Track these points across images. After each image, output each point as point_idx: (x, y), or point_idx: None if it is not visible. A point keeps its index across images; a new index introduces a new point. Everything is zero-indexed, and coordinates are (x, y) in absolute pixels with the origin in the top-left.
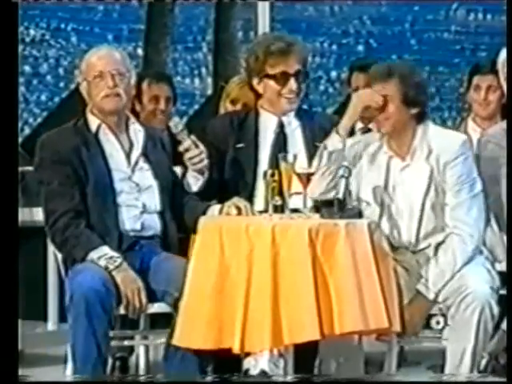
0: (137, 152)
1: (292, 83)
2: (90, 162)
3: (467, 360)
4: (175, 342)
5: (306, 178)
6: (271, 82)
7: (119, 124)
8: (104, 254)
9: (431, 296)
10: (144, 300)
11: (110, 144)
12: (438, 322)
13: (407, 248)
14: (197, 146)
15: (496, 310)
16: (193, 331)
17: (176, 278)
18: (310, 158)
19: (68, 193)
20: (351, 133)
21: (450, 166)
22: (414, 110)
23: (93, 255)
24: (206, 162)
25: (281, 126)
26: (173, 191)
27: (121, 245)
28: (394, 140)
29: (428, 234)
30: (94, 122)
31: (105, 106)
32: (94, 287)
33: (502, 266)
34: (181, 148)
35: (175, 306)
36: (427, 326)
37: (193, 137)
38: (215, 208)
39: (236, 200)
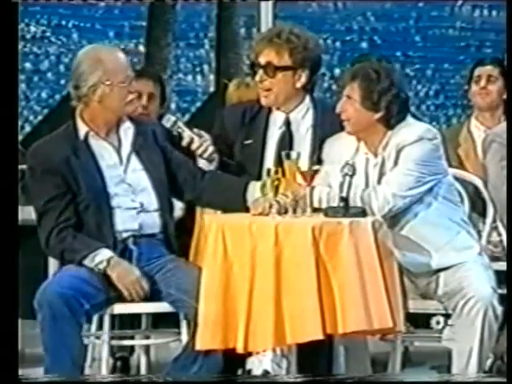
0: (126, 149)
1: (258, 75)
2: (80, 170)
3: (474, 360)
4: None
5: (310, 176)
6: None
7: (112, 126)
8: (93, 262)
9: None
10: (145, 286)
11: (100, 147)
12: (438, 322)
13: None
14: (200, 136)
15: (499, 310)
16: (202, 332)
17: (190, 287)
18: (318, 158)
19: (57, 206)
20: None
21: (404, 149)
22: (377, 115)
23: (86, 264)
24: (211, 149)
25: (287, 123)
26: (177, 176)
27: (115, 249)
28: (366, 140)
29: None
30: (82, 129)
31: (126, 110)
32: (57, 290)
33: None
34: (183, 143)
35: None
36: (427, 325)
37: (194, 128)
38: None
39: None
